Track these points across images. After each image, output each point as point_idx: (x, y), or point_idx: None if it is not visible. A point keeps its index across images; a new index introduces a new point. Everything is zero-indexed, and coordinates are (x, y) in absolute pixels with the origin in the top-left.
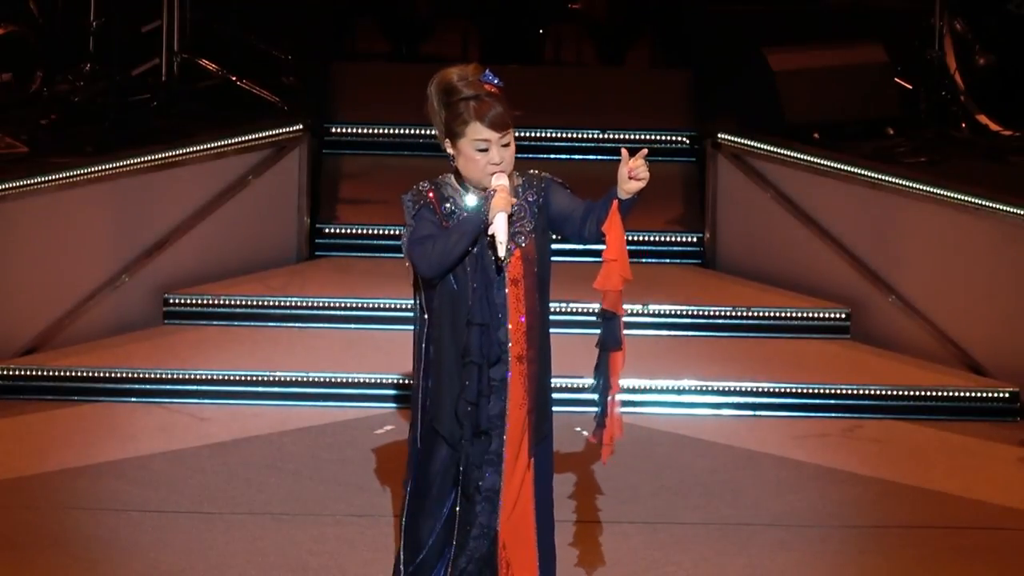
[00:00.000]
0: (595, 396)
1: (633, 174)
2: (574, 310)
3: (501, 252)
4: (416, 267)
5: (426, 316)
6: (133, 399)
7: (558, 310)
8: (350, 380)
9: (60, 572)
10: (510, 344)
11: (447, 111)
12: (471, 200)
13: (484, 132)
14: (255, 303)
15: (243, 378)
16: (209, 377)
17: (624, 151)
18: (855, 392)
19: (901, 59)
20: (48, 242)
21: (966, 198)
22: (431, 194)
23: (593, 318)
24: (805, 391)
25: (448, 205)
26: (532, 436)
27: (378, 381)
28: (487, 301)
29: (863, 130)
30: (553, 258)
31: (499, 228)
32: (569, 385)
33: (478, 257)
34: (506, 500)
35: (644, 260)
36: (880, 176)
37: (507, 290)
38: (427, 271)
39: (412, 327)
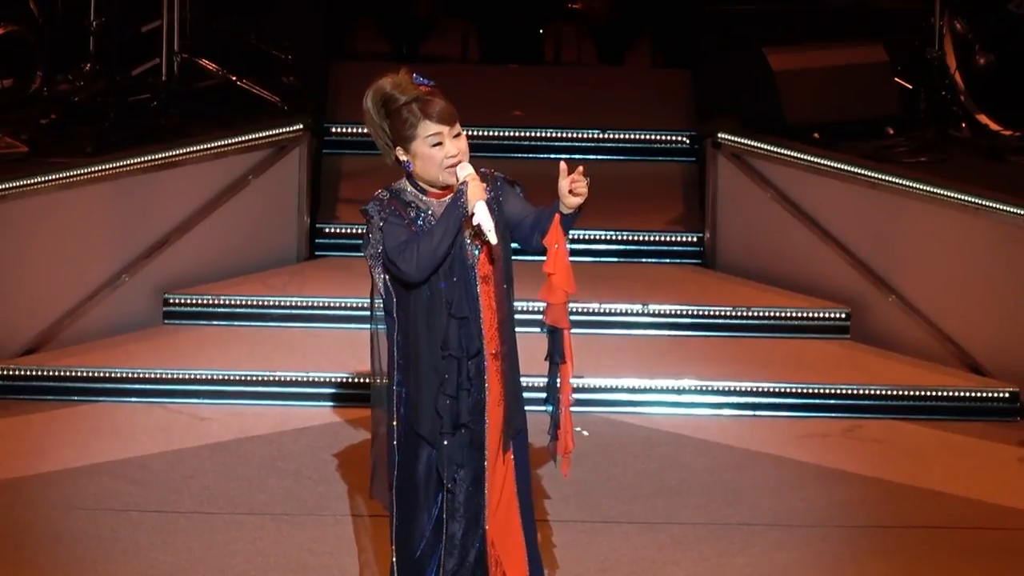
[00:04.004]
0: (549, 408)
1: (572, 188)
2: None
3: (492, 239)
4: (402, 272)
5: (395, 321)
6: (133, 399)
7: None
8: (350, 380)
9: (60, 572)
10: (485, 342)
11: (391, 120)
12: (432, 201)
13: (435, 127)
14: (255, 303)
15: (243, 378)
16: (209, 377)
17: (563, 165)
18: (855, 392)
19: (901, 59)
20: (48, 242)
21: (966, 198)
22: (393, 202)
23: (588, 317)
24: (805, 391)
25: (411, 210)
26: (508, 431)
27: None
28: (466, 294)
29: (863, 130)
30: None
31: (483, 216)
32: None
33: (456, 253)
34: (491, 497)
35: (644, 260)
36: (880, 176)
37: (479, 289)
38: (416, 275)
39: (373, 327)
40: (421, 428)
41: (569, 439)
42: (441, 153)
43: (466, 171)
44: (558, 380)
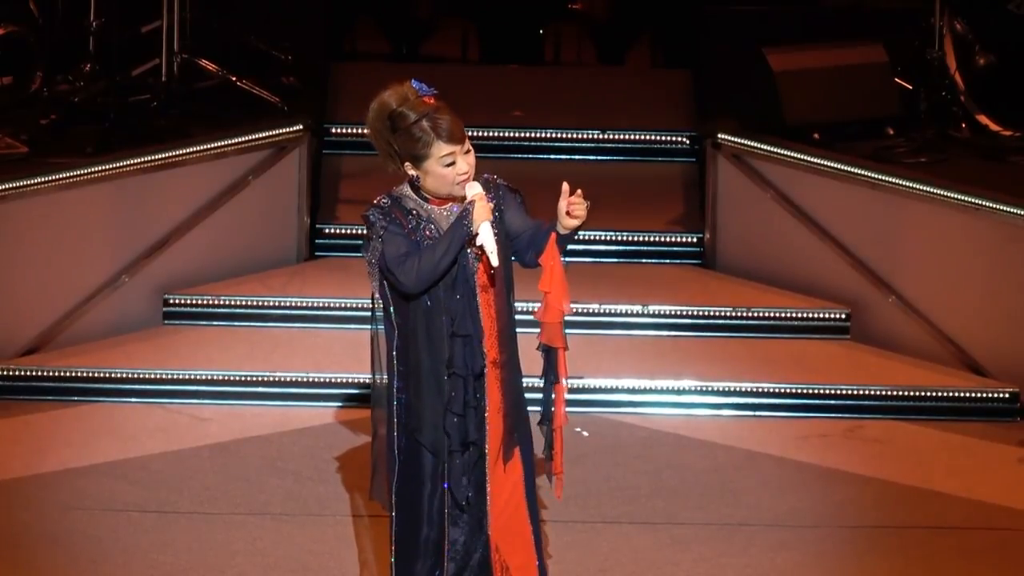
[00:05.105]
0: (543, 428)
1: (571, 210)
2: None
3: (494, 261)
4: (400, 284)
5: (395, 327)
6: (133, 399)
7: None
8: (350, 380)
9: (60, 572)
10: (486, 350)
11: (400, 137)
12: (434, 209)
13: (448, 148)
14: (255, 303)
15: (243, 378)
16: (209, 377)
17: (565, 186)
18: (855, 392)
19: (901, 59)
20: (48, 242)
21: (966, 198)
22: (394, 210)
23: (587, 318)
24: (805, 391)
25: (412, 218)
26: (513, 438)
27: None
28: (469, 309)
29: (863, 130)
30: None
31: (487, 238)
32: (569, 385)
33: (459, 269)
34: (494, 504)
35: (644, 260)
36: (880, 176)
37: (479, 297)
38: (414, 287)
39: (373, 327)
40: (422, 436)
41: (559, 460)
42: (453, 172)
43: (474, 190)
44: (552, 400)
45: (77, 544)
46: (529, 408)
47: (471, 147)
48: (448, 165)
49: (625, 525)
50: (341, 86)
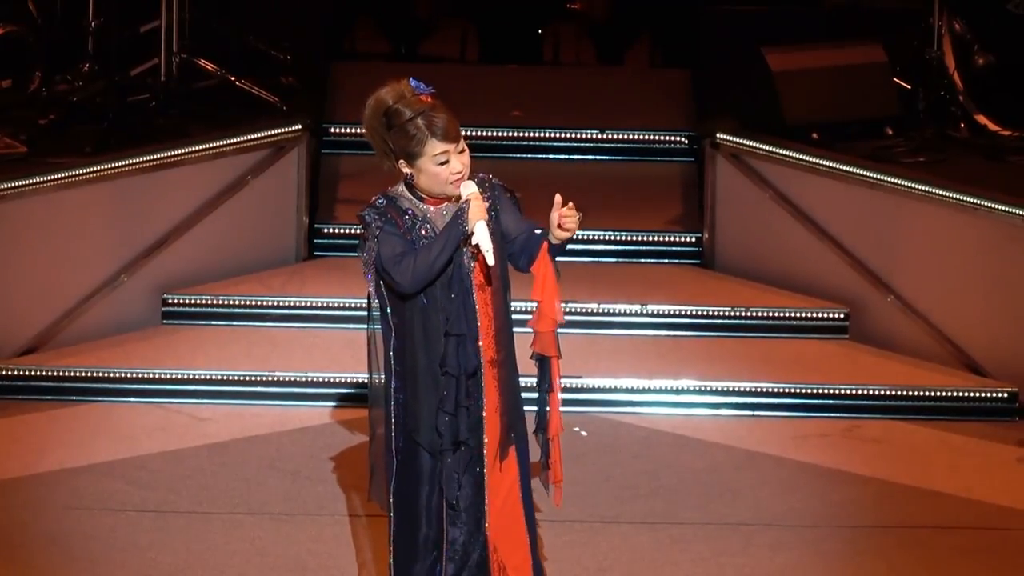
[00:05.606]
0: (538, 436)
1: (562, 222)
2: (567, 310)
3: (490, 260)
4: (396, 284)
5: (392, 327)
6: (132, 399)
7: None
8: (349, 380)
9: (60, 572)
10: (483, 349)
11: (395, 134)
12: (430, 208)
13: (442, 146)
14: (255, 303)
15: (243, 378)
16: (208, 377)
17: (558, 197)
18: (855, 392)
19: (901, 59)
20: (48, 242)
21: (966, 198)
22: (390, 210)
23: (586, 317)
24: (805, 391)
25: (408, 217)
26: (510, 438)
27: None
28: (464, 309)
29: (863, 130)
30: None
31: (483, 237)
32: (568, 385)
33: (455, 268)
34: (491, 504)
35: (643, 260)
36: (880, 176)
37: (475, 296)
38: (409, 287)
39: (370, 327)
40: (419, 436)
41: (558, 469)
42: (447, 171)
43: (469, 189)
44: (547, 409)
45: (75, 544)
46: (525, 409)
47: (466, 147)
48: (442, 163)
49: (624, 525)
50: (340, 86)
